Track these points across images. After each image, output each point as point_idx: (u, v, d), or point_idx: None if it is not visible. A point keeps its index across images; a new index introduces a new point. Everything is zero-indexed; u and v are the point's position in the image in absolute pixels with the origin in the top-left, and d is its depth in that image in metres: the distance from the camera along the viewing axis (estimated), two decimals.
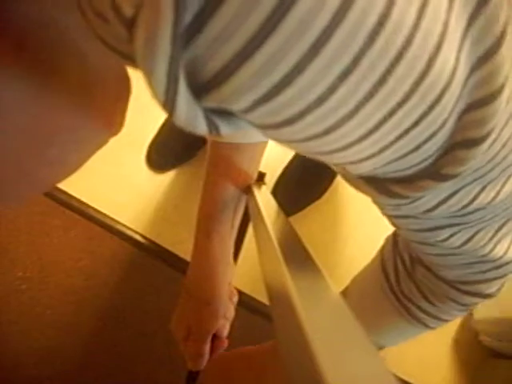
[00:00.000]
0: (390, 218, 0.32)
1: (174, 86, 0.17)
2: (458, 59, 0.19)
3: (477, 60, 0.19)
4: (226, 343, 0.60)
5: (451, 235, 0.30)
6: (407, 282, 0.42)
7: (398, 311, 0.43)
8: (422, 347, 1.08)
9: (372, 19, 0.16)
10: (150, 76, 0.16)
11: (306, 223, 1.14)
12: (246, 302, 1.03)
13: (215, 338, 0.59)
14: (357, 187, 0.29)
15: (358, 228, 1.16)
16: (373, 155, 0.22)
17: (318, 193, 1.16)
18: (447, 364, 1.11)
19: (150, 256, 1.09)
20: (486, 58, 0.19)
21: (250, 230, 0.55)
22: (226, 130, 0.20)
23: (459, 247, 0.31)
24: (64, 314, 1.04)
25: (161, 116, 1.15)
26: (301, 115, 0.18)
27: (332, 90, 0.17)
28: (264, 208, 0.39)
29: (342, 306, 0.19)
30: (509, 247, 0.32)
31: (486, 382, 1.08)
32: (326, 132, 0.20)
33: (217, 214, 0.56)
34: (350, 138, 0.20)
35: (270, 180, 1.15)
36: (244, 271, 1.00)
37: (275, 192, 1.14)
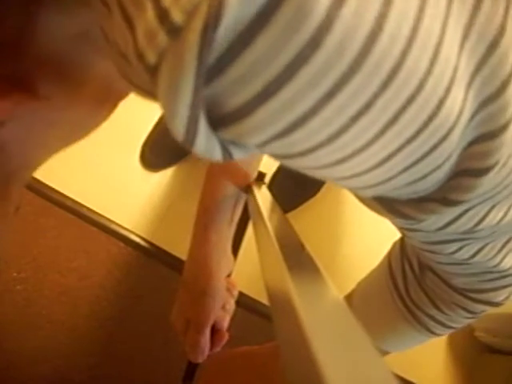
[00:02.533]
0: (400, 229, 0.33)
1: (195, 126, 0.17)
2: (465, 100, 0.20)
3: (483, 100, 0.20)
4: (226, 336, 0.60)
5: (460, 248, 0.31)
6: (416, 288, 0.42)
7: (405, 318, 0.43)
8: None
9: (386, 68, 0.16)
10: (171, 119, 0.17)
11: (302, 221, 1.14)
12: (243, 302, 1.03)
13: (215, 331, 0.59)
14: (367, 205, 0.29)
15: (354, 225, 1.16)
16: (380, 183, 0.23)
17: (314, 190, 1.16)
18: (443, 360, 1.12)
19: (145, 255, 1.08)
20: (492, 98, 0.20)
21: (249, 230, 0.55)
22: (239, 156, 0.21)
23: (468, 259, 0.32)
24: (59, 315, 1.03)
25: (154, 115, 1.14)
26: (312, 150, 0.19)
27: (344, 129, 0.18)
28: (264, 208, 0.39)
29: (341, 304, 0.19)
30: None
31: (482, 377, 1.08)
32: (333, 165, 0.20)
33: (215, 208, 0.57)
34: (355, 170, 0.21)
35: (266, 177, 1.15)
36: (242, 271, 1.00)
37: (270, 189, 1.13)
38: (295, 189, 1.13)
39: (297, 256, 0.26)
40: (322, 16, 0.14)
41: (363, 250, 1.10)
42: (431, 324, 0.42)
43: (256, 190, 0.50)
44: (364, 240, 1.12)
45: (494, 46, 0.19)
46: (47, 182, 1.09)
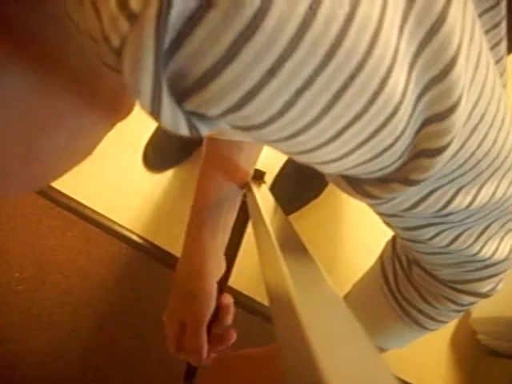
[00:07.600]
0: (379, 215, 0.34)
1: (159, 98, 0.19)
2: (408, 81, 0.21)
3: (429, 81, 0.21)
4: (234, 336, 0.59)
5: (436, 234, 0.32)
6: (405, 284, 0.43)
7: (398, 314, 0.44)
8: (420, 346, 1.08)
9: (323, 48, 0.18)
10: (137, 94, 0.19)
11: (303, 223, 1.14)
12: (244, 303, 1.02)
13: (215, 329, 0.59)
14: (338, 185, 0.31)
15: (355, 228, 1.16)
16: (336, 159, 0.24)
17: (315, 192, 1.16)
18: (445, 362, 1.11)
19: (147, 256, 1.08)
20: (437, 80, 0.21)
21: (249, 230, 0.55)
22: (205, 131, 0.22)
23: (446, 246, 0.33)
24: (61, 315, 1.04)
25: None
26: (266, 123, 0.21)
27: (290, 104, 0.20)
28: (263, 207, 0.39)
29: (341, 305, 0.19)
30: (497, 248, 0.34)
31: (484, 380, 1.08)
32: (289, 137, 0.22)
33: (209, 208, 0.57)
34: (311, 143, 0.23)
35: (267, 180, 1.15)
36: (242, 272, 1.00)
37: (272, 192, 1.14)
38: (297, 191, 1.13)
39: (298, 257, 0.26)
40: (257, 3, 0.16)
41: (364, 252, 1.10)
42: (421, 318, 0.43)
43: (255, 189, 0.50)
44: (365, 242, 1.11)
45: (433, 31, 0.20)
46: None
